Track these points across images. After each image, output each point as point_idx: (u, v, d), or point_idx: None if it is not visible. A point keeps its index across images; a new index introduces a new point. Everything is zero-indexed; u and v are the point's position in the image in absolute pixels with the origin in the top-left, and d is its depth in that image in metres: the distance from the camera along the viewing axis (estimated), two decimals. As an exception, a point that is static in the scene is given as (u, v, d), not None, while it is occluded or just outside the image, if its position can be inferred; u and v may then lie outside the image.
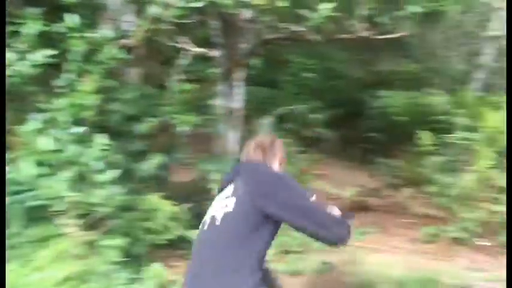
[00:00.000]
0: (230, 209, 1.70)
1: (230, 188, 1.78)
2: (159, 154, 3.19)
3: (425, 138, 3.91)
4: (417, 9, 3.52)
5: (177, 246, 3.09)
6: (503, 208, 3.43)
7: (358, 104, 7.52)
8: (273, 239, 1.71)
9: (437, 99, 7.24)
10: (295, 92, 7.17)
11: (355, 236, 3.78)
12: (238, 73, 3.65)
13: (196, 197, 3.61)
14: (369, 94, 7.51)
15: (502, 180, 3.55)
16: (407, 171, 5.06)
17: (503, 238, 3.44)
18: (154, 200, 3.05)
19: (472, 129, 4.83)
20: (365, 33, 3.42)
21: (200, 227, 1.81)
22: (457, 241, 3.44)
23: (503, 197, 3.49)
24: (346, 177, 5.61)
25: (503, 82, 12.67)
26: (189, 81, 3.62)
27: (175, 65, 3.41)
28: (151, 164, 3.14)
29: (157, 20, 2.87)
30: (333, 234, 1.61)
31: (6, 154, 2.68)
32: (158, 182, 3.38)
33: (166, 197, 3.14)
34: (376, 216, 4.29)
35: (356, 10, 3.39)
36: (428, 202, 4.24)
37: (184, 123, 3.25)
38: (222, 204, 1.75)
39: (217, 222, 1.70)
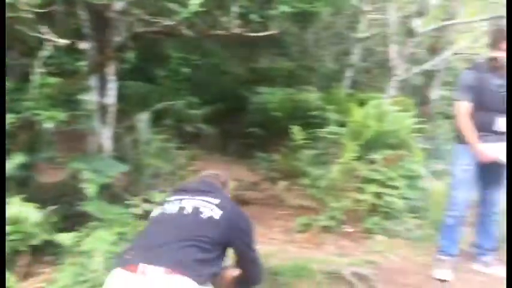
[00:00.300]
0: (217, 217, 1.89)
1: (215, 199, 1.95)
2: (20, 153, 2.94)
3: (299, 133, 4.09)
4: (287, 8, 3.66)
5: (43, 252, 2.87)
6: (366, 197, 3.74)
7: (239, 100, 7.65)
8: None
9: (311, 96, 7.65)
10: (175, 87, 7.08)
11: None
12: (109, 67, 3.49)
13: (66, 198, 3.40)
14: (249, 90, 7.69)
15: (365, 171, 3.86)
16: (284, 164, 5.28)
17: (366, 225, 3.75)
18: (15, 202, 2.79)
19: (341, 124, 5.18)
20: (238, 30, 3.46)
21: (171, 210, 1.94)
22: (326, 229, 3.66)
23: (367, 187, 3.81)
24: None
25: (369, 80, 13.76)
26: (56, 74, 3.38)
27: (39, 56, 3.15)
28: (11, 164, 2.88)
29: (14, 7, 2.62)
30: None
31: None
32: (21, 184, 3.12)
33: (31, 199, 2.90)
34: (254, 209, 4.39)
35: (228, 7, 3.42)
36: (303, 194, 4.46)
37: (50, 120, 3.02)
38: (205, 205, 1.92)
39: (203, 216, 1.88)
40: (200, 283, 1.71)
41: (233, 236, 1.92)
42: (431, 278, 3.13)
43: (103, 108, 3.63)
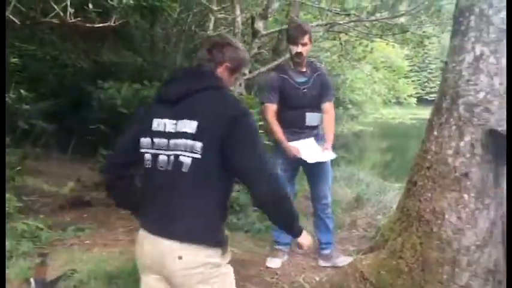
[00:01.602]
0: (198, 155, 1.64)
1: (191, 123, 1.65)
2: None
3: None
4: (130, 1, 3.52)
5: None
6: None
7: (82, 95, 7.18)
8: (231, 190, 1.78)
9: (160, 92, 7.50)
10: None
11: (71, 234, 3.58)
12: None
13: None
14: (93, 85, 7.27)
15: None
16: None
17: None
18: None
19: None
20: (73, 20, 3.22)
21: (153, 162, 1.71)
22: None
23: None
24: (64, 172, 5.30)
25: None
26: None
27: None
28: None
29: None
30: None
31: None
32: None
33: None
34: (96, 211, 4.18)
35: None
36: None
37: None
38: (185, 145, 1.65)
39: (184, 169, 1.65)
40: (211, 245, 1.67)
41: (227, 152, 1.64)
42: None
43: None
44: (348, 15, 8.33)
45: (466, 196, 2.59)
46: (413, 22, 9.39)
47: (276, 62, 8.94)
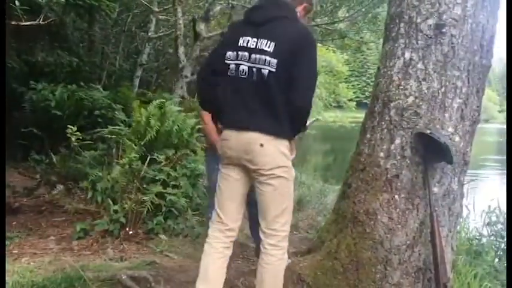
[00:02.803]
0: (273, 69, 2.16)
1: (269, 43, 2.17)
2: None
3: (75, 133, 3.80)
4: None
5: None
6: (149, 197, 3.68)
7: (12, 96, 6.81)
8: None
9: (97, 94, 7.27)
10: None
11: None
12: None
13: None
14: (24, 85, 6.93)
15: (147, 171, 3.81)
16: (64, 167, 4.89)
17: (149, 226, 3.70)
18: None
19: (128, 124, 5.04)
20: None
21: (243, 73, 2.21)
22: (107, 233, 3.50)
23: (150, 187, 3.76)
24: (-8, 178, 4.99)
25: (159, 80, 13.77)
26: None
27: None
28: None
29: None
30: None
31: None
32: None
33: None
34: (26, 219, 3.96)
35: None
36: (84, 198, 4.19)
37: None
38: (264, 60, 2.17)
39: (265, 78, 2.17)
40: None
41: (293, 68, 2.17)
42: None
43: None
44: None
45: (397, 197, 2.67)
46: (351, 28, 9.69)
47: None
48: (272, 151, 2.19)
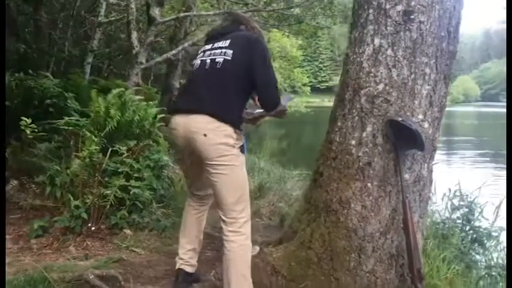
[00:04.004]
0: (229, 57, 2.37)
1: (226, 42, 2.44)
2: None
3: (29, 124, 3.57)
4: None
5: None
6: (112, 191, 3.52)
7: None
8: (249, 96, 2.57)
9: (47, 82, 6.91)
10: None
11: None
12: None
13: None
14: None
15: (109, 163, 3.64)
16: (16, 161, 4.60)
17: (113, 220, 3.54)
18: None
19: (81, 113, 4.81)
20: None
21: (197, 66, 2.47)
22: (68, 230, 3.32)
23: (112, 180, 3.59)
24: None
25: (111, 67, 13.33)
26: None
27: None
28: None
29: None
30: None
31: None
32: None
33: None
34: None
35: None
36: (40, 193, 3.96)
37: None
38: (220, 52, 2.41)
39: (218, 66, 2.37)
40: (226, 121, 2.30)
41: (247, 63, 2.37)
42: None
43: None
44: (246, 4, 8.34)
45: (369, 185, 2.67)
46: (307, 13, 9.67)
47: (173, 52, 8.71)
48: (215, 141, 2.28)
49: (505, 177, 6.35)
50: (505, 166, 8.66)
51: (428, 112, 2.73)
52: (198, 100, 2.35)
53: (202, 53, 2.54)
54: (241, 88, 2.42)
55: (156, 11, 8.73)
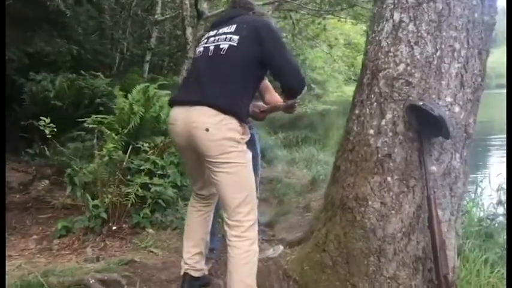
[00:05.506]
0: (234, 43, 2.16)
1: (231, 27, 2.23)
2: None
3: (51, 125, 3.57)
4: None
5: None
6: (134, 189, 3.44)
7: (12, 88, 6.69)
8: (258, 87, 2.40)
9: (98, 82, 7.08)
10: None
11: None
12: None
13: None
14: (25, 77, 6.78)
15: (132, 161, 3.57)
16: (55, 160, 4.70)
17: (134, 219, 3.46)
18: None
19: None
20: None
21: (200, 53, 2.28)
22: (89, 230, 3.28)
23: (135, 178, 3.52)
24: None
25: (170, 64, 13.49)
26: None
27: None
28: None
29: None
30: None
31: None
32: None
33: None
34: (11, 217, 3.77)
35: None
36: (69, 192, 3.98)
37: None
38: (225, 38, 2.20)
39: (223, 52, 2.17)
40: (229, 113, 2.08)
41: (257, 50, 2.16)
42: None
43: None
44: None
45: (389, 179, 2.35)
46: (362, -4, 9.20)
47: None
48: (219, 136, 2.07)
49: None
50: None
51: (459, 94, 2.35)
52: (199, 90, 2.13)
53: (205, 40, 2.33)
54: (248, 77, 2.21)
55: (204, 5, 8.69)
